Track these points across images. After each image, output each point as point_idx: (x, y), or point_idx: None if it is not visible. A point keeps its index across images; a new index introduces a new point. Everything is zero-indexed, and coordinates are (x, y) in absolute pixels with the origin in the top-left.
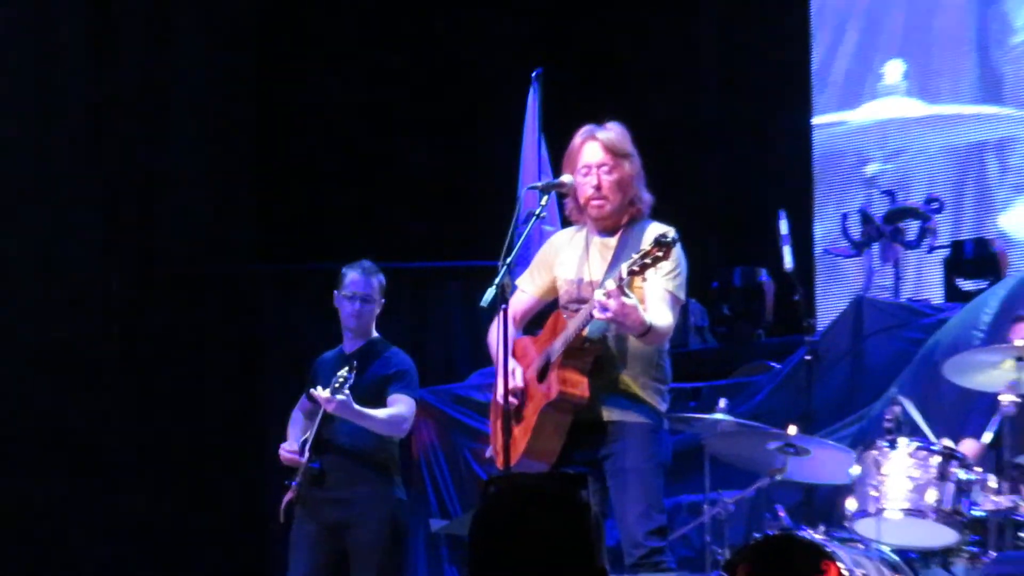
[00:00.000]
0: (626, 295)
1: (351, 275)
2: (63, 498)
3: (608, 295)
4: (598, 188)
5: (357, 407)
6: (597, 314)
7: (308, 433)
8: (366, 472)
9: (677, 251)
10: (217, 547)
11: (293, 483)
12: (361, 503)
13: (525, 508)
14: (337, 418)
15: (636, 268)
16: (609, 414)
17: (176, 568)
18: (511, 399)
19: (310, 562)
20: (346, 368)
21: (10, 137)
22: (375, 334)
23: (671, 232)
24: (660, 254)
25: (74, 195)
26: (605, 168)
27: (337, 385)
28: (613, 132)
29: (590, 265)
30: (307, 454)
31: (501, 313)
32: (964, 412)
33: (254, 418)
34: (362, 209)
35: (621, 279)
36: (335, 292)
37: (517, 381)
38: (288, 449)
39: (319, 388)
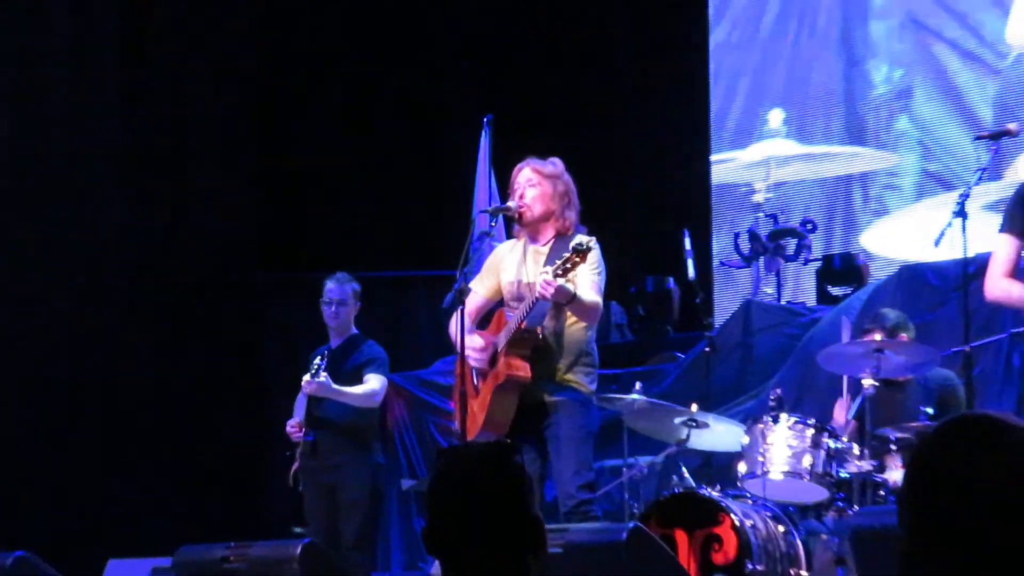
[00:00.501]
0: (556, 279)
1: (328, 284)
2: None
3: (550, 282)
4: (522, 197)
5: (334, 386)
6: (539, 289)
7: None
8: (350, 441)
9: (597, 254)
10: (222, 507)
11: (297, 453)
12: (347, 467)
13: (468, 470)
14: (324, 398)
15: (560, 272)
16: (548, 395)
17: (193, 525)
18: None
19: (321, 525)
20: (319, 357)
21: (50, 149)
22: (354, 331)
23: (586, 240)
24: (578, 259)
25: (103, 205)
26: (531, 183)
27: (313, 371)
28: (546, 162)
29: (527, 269)
30: (303, 430)
31: (459, 312)
32: (833, 394)
33: (258, 401)
34: (347, 226)
35: (555, 270)
36: (320, 300)
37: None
38: (291, 424)
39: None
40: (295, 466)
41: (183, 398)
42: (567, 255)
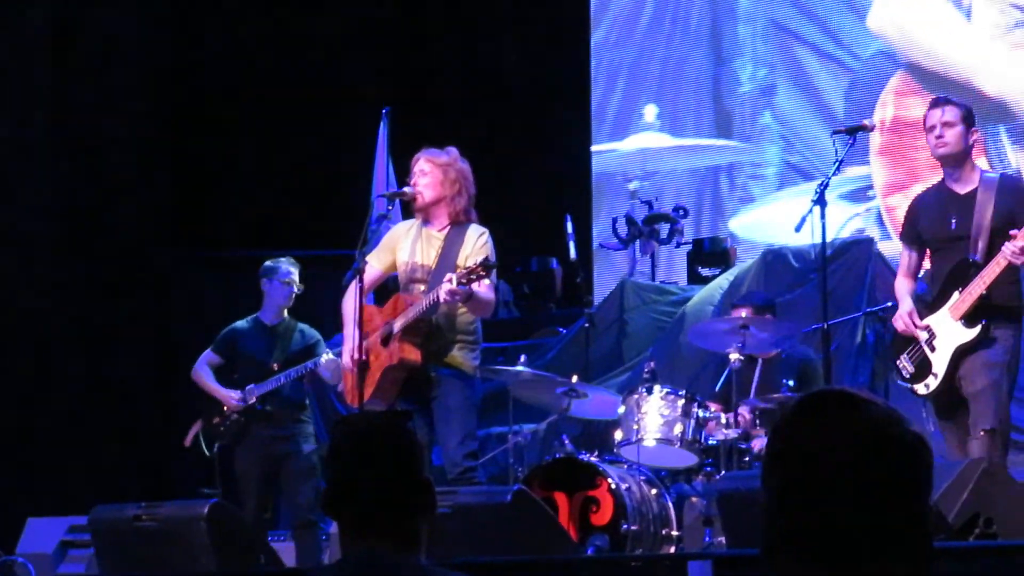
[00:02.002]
0: (459, 285)
1: (284, 267)
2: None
3: (451, 289)
4: (415, 185)
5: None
6: (443, 295)
7: (253, 384)
8: (301, 413)
9: (491, 245)
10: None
11: (215, 420)
12: (298, 436)
13: (364, 438)
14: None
15: (464, 281)
16: (435, 370)
17: (107, 486)
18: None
19: (263, 489)
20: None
21: None
22: (286, 313)
23: (492, 256)
24: (483, 273)
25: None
26: (423, 171)
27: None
28: (441, 151)
29: (421, 251)
30: (253, 399)
31: (356, 289)
32: (702, 366)
33: (170, 369)
34: (254, 208)
35: (458, 279)
36: (264, 279)
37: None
38: (234, 398)
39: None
40: (197, 427)
41: (100, 367)
42: (475, 266)
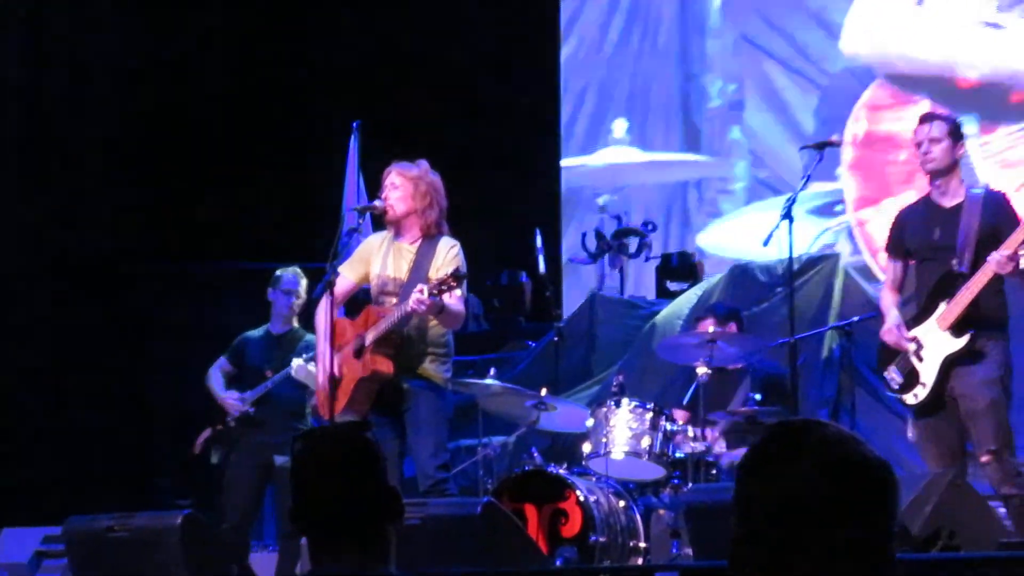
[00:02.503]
0: (430, 296)
1: (287, 276)
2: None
3: (421, 299)
4: (386, 199)
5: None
6: (412, 305)
7: (247, 390)
8: (295, 419)
9: (462, 257)
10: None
11: (215, 428)
12: (288, 446)
13: (325, 450)
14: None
15: (435, 292)
16: (407, 382)
17: (82, 498)
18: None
19: (249, 497)
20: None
21: None
22: (295, 322)
23: (462, 268)
24: (454, 284)
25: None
26: (394, 184)
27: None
28: (412, 165)
29: (393, 264)
30: (247, 406)
31: (327, 301)
32: (671, 379)
33: (144, 383)
34: (228, 221)
35: (429, 290)
36: (270, 288)
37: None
38: (232, 398)
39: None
40: (206, 433)
41: (73, 379)
42: (446, 278)
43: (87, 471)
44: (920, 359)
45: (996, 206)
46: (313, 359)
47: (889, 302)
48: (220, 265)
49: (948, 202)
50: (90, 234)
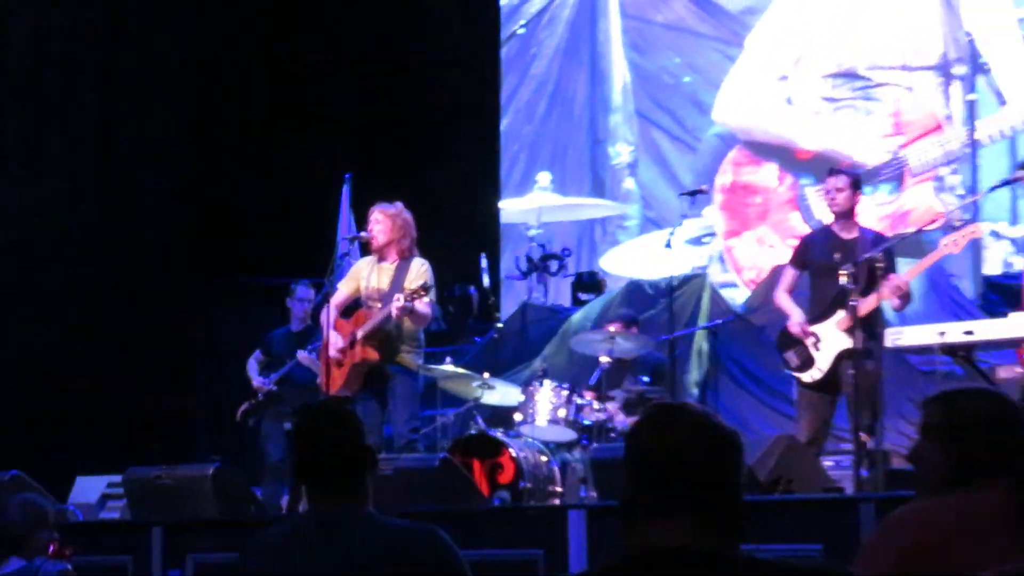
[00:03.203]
0: (405, 302)
1: (300, 289)
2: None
3: (399, 305)
4: (371, 231)
5: None
6: (393, 310)
7: (272, 373)
8: (308, 395)
9: (431, 276)
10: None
11: (250, 402)
12: None
13: (318, 420)
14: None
15: (409, 299)
16: (389, 367)
17: (139, 454)
18: (336, 355)
19: (280, 453)
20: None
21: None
22: (310, 321)
23: (429, 281)
24: (423, 293)
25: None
26: (377, 220)
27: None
28: (391, 205)
29: (377, 279)
30: (271, 386)
31: (326, 309)
32: (581, 366)
33: (187, 370)
34: (250, 245)
35: (404, 298)
36: (288, 298)
37: (339, 346)
38: (260, 381)
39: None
40: (244, 406)
41: (135, 366)
42: (417, 288)
43: (143, 435)
44: (817, 349)
45: (879, 244)
46: (316, 350)
47: (790, 303)
48: (247, 281)
49: (847, 235)
50: (149, 254)
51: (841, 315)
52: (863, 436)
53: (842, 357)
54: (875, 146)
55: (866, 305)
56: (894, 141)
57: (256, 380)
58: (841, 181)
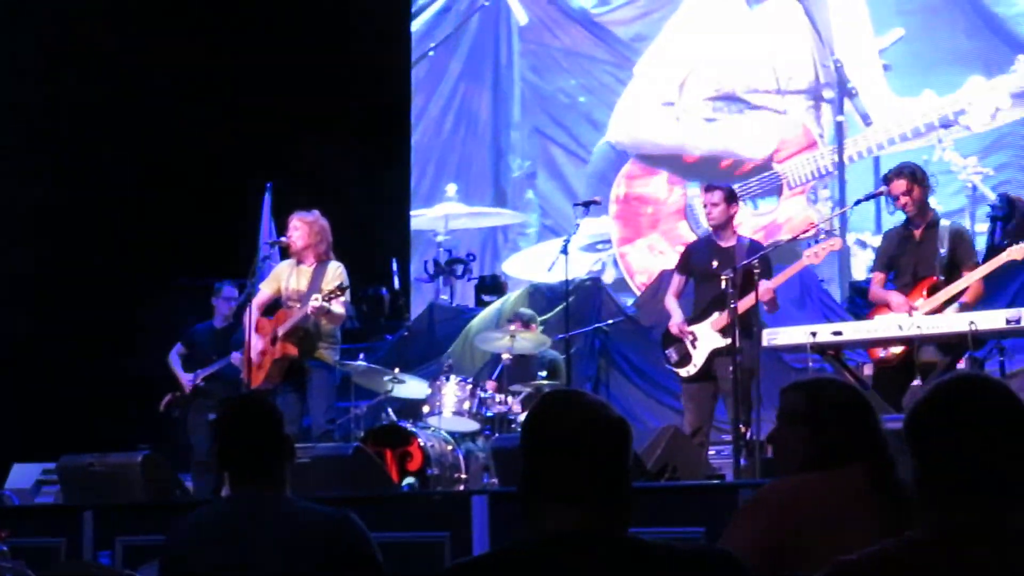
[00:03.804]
0: (322, 303)
1: (226, 289)
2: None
3: (317, 305)
4: (290, 236)
5: None
6: (310, 310)
7: (199, 369)
8: (234, 388)
9: (346, 279)
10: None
11: (174, 394)
12: None
13: (239, 411)
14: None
15: (327, 299)
16: (308, 362)
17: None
18: (257, 358)
19: (207, 436)
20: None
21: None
22: (232, 319)
23: (345, 282)
24: (339, 294)
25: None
26: (296, 227)
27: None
28: (308, 213)
29: (296, 281)
30: (199, 381)
31: (250, 308)
32: (484, 362)
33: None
34: (180, 250)
35: (322, 298)
36: (213, 296)
37: (259, 348)
38: (188, 379)
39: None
40: (168, 398)
41: (65, 361)
42: (333, 289)
43: (75, 424)
44: (694, 347)
45: (753, 251)
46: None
47: (674, 305)
48: (176, 280)
49: (725, 244)
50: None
51: (715, 316)
52: (742, 427)
53: (715, 354)
54: (760, 142)
55: (741, 307)
56: (773, 155)
57: (183, 377)
58: (716, 196)
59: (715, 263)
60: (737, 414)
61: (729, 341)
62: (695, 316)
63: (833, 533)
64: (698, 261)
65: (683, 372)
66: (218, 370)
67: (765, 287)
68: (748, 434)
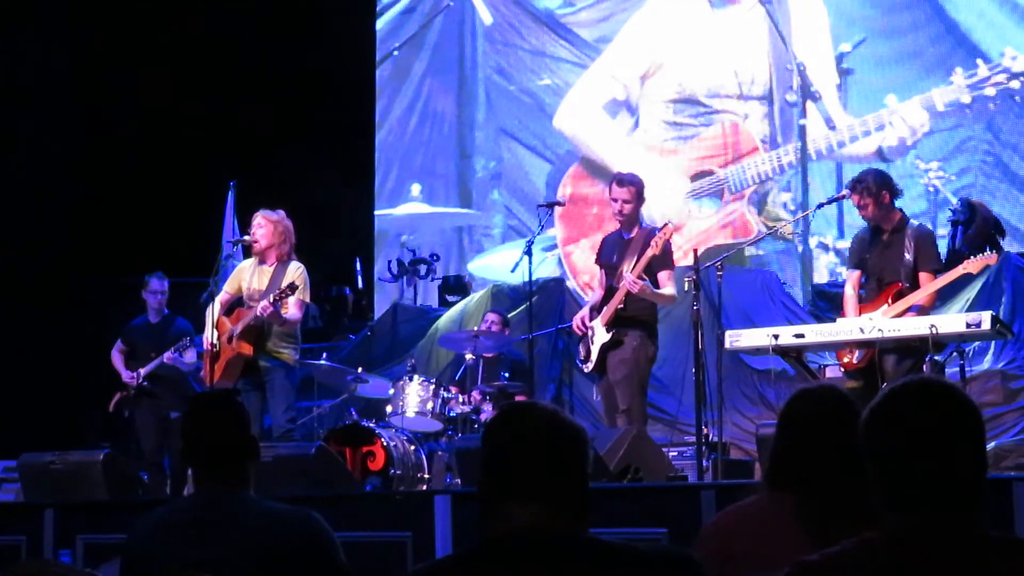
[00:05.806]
0: (270, 305)
1: (153, 282)
2: None
3: (263, 306)
4: (254, 235)
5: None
6: (259, 312)
7: (142, 367)
8: (180, 386)
9: (300, 281)
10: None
11: (121, 393)
12: (178, 404)
13: (206, 409)
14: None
15: (280, 298)
16: (268, 360)
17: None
18: (207, 346)
19: (155, 441)
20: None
21: None
22: (167, 311)
23: (302, 282)
24: (289, 292)
25: None
26: (259, 225)
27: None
28: (272, 212)
29: (257, 280)
30: (140, 379)
31: (211, 306)
32: (448, 363)
33: (78, 359)
34: (135, 246)
35: (273, 299)
36: (142, 290)
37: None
38: (129, 375)
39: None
40: (117, 397)
41: (26, 360)
42: (286, 288)
43: (36, 424)
44: (592, 343)
45: (649, 239)
46: (182, 348)
47: (591, 298)
48: (133, 279)
49: (628, 235)
50: (42, 254)
51: (604, 310)
52: (704, 429)
53: (604, 349)
54: (705, 149)
55: (615, 300)
56: (715, 161)
57: (125, 375)
58: (627, 193)
59: (614, 256)
60: (700, 415)
61: (611, 336)
62: (598, 311)
63: (769, 563)
64: (604, 255)
65: (586, 368)
66: (162, 371)
67: (629, 278)
68: (710, 435)
